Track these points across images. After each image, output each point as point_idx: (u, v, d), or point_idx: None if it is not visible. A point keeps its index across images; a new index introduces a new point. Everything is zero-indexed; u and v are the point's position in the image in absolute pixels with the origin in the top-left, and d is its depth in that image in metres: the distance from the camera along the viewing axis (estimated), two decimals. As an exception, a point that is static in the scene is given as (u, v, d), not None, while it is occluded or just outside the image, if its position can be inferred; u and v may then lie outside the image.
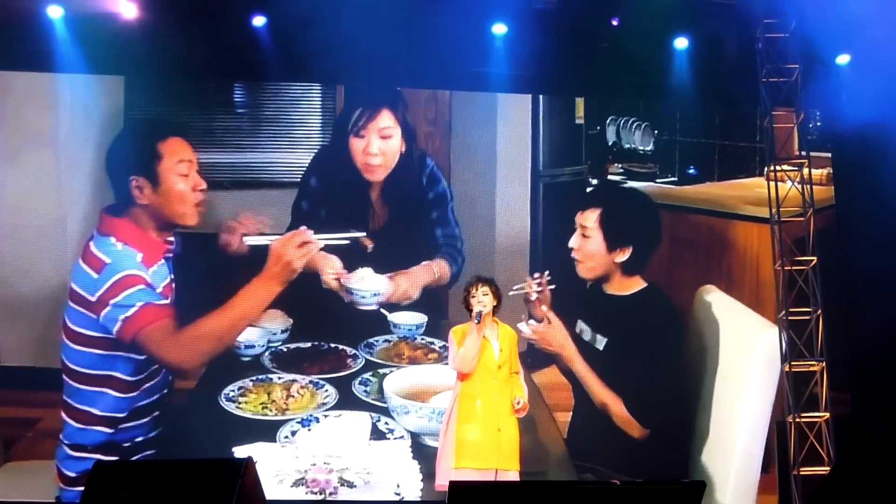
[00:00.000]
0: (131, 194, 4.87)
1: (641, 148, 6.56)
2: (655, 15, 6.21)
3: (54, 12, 5.97)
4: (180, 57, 6.04)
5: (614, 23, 6.28)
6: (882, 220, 6.43)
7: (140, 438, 5.10)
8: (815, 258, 6.20)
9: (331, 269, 5.28)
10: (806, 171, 6.03)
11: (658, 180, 6.55)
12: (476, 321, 4.88)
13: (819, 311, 6.17)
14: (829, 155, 6.41)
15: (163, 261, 5.06)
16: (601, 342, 5.25)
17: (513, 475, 4.91)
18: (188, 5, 6.00)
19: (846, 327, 6.62)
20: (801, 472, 5.95)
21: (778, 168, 6.17)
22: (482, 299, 4.94)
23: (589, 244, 5.17)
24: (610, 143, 6.48)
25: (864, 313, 6.62)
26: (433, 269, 5.53)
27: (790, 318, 6.12)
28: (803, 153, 6.22)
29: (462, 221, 6.04)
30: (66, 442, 5.11)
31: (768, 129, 6.38)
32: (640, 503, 3.72)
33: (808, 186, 6.29)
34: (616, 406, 5.10)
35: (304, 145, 6.13)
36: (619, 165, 6.55)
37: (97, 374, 5.00)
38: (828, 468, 5.79)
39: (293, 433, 4.84)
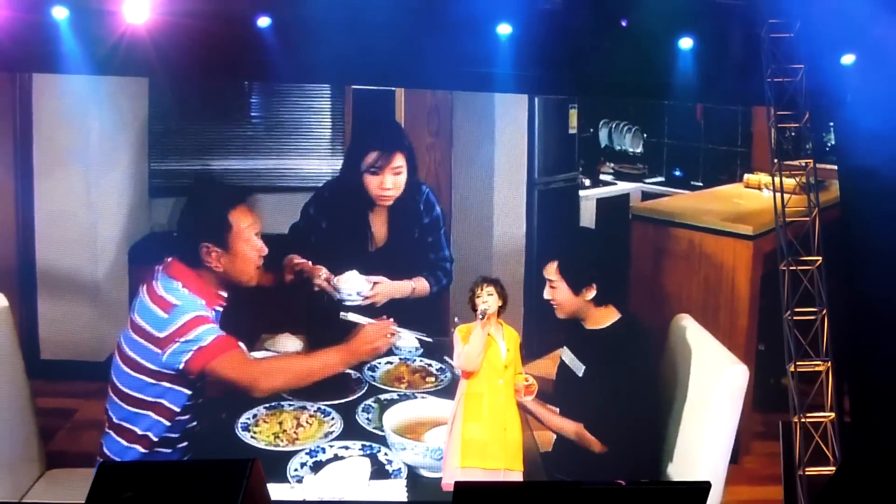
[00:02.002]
0: (201, 257, 5.10)
1: (631, 150, 6.63)
2: (660, 15, 5.94)
3: (59, 13, 5.81)
4: (183, 57, 5.89)
5: (623, 24, 6.04)
6: (886, 220, 6.05)
7: None
8: (819, 258, 5.84)
9: (320, 276, 5.63)
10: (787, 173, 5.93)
11: (646, 181, 6.64)
12: (480, 318, 4.91)
13: (824, 311, 5.79)
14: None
15: (213, 311, 5.18)
16: (580, 369, 5.29)
17: (517, 475, 4.91)
18: (193, 6, 5.86)
19: (851, 328, 6.36)
20: (807, 472, 5.69)
21: (756, 174, 6.40)
22: (487, 299, 4.89)
23: (558, 293, 5.28)
24: (602, 146, 6.58)
25: (868, 314, 6.25)
26: (411, 285, 5.80)
27: (795, 318, 5.85)
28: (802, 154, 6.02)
29: (462, 226, 6.21)
30: (106, 453, 5.18)
31: (772, 130, 6.02)
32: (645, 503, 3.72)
33: (813, 187, 5.98)
34: (574, 430, 5.19)
35: (315, 150, 6.26)
36: (611, 165, 6.64)
37: (147, 399, 5.10)
38: (833, 468, 5.57)
39: (302, 465, 5.00)
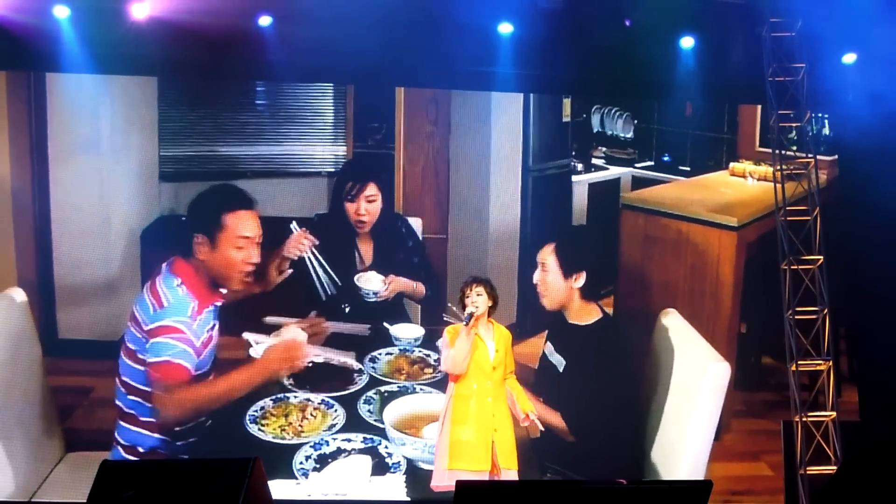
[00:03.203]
0: (193, 247, 5.03)
1: (622, 135, 6.77)
2: (661, 14, 5.78)
3: (61, 12, 5.73)
4: (184, 56, 5.88)
5: (627, 23, 5.92)
6: (887, 220, 5.96)
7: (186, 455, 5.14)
8: (821, 257, 5.61)
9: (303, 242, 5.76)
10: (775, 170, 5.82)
11: (636, 165, 6.77)
12: (465, 322, 4.92)
13: (825, 311, 5.55)
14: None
15: (212, 307, 5.09)
16: (560, 364, 5.25)
17: (513, 474, 4.91)
18: (193, 4, 5.75)
19: (852, 325, 6.29)
20: (808, 472, 5.51)
21: (742, 162, 6.45)
22: (476, 300, 4.75)
23: (549, 276, 5.17)
24: (594, 131, 6.73)
25: (871, 312, 6.17)
26: (413, 285, 5.97)
27: (797, 317, 5.67)
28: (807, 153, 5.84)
29: (459, 212, 6.32)
30: (121, 442, 5.12)
31: (775, 129, 5.74)
32: (646, 503, 3.72)
33: (815, 186, 5.77)
34: (555, 420, 5.14)
35: (319, 138, 6.33)
36: (602, 150, 6.75)
37: (147, 389, 4.98)
38: (834, 468, 5.42)
39: (307, 458, 4.92)
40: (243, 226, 5.16)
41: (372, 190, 5.98)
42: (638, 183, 6.82)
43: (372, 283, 5.91)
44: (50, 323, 6.06)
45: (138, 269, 6.06)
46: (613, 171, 6.85)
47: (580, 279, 5.29)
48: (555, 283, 5.34)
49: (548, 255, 5.33)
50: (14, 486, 5.27)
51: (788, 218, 5.73)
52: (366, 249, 6.06)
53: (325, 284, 5.86)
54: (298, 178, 6.37)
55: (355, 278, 5.88)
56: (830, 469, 5.45)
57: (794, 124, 5.80)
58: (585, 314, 5.36)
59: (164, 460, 4.97)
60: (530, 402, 4.82)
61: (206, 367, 5.18)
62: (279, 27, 5.87)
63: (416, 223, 6.28)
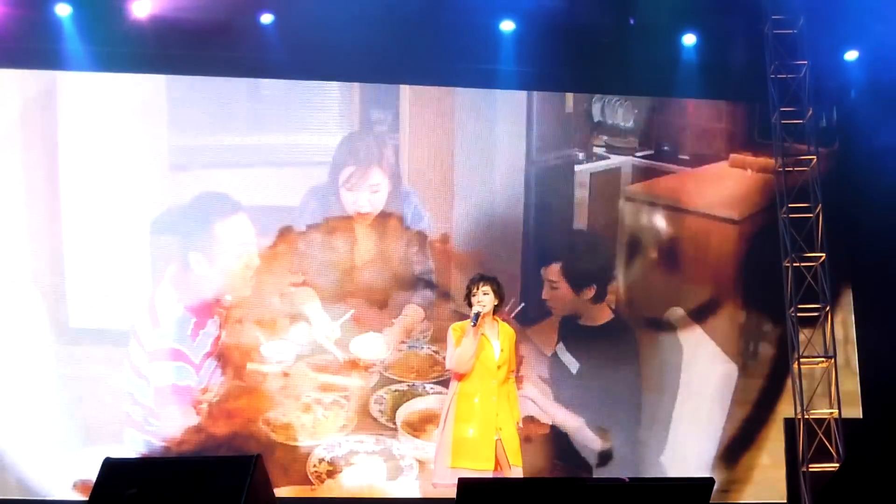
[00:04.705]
0: (190, 263, 4.95)
1: (622, 124, 6.75)
2: (663, 12, 5.72)
3: (62, 10, 5.71)
4: (189, 53, 5.91)
5: (631, 21, 5.88)
6: (888, 217, 5.90)
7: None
8: (823, 255, 5.54)
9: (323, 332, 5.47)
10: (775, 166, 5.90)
11: (637, 154, 6.76)
12: (472, 323, 4.89)
13: (828, 308, 5.51)
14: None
15: (215, 317, 5.13)
16: (573, 366, 5.27)
17: (518, 472, 4.93)
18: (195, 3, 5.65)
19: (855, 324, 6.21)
20: (810, 469, 5.47)
21: (740, 153, 6.42)
22: (482, 299, 4.69)
23: (559, 293, 5.20)
24: (595, 121, 6.69)
25: (873, 311, 6.10)
26: (410, 320, 5.71)
27: (799, 314, 5.66)
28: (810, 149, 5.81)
29: (465, 200, 6.29)
30: (132, 446, 5.21)
31: (777, 126, 5.69)
32: (648, 500, 3.71)
33: (817, 183, 5.72)
34: (575, 425, 5.20)
35: (325, 129, 6.36)
36: (603, 139, 6.72)
37: (149, 404, 5.09)
38: (837, 465, 5.33)
39: (320, 461, 5.07)
40: (236, 232, 5.05)
41: (377, 177, 5.54)
42: (638, 172, 6.73)
43: (373, 349, 5.59)
44: (62, 312, 6.06)
45: (149, 257, 5.96)
46: (614, 161, 6.75)
47: (591, 292, 5.26)
48: (565, 298, 5.31)
49: (555, 275, 5.27)
50: (27, 484, 5.36)
51: (791, 215, 5.70)
52: (365, 240, 5.74)
53: None
54: (305, 167, 6.31)
55: (351, 345, 5.52)
56: (833, 466, 5.42)
57: (796, 121, 5.78)
58: (596, 316, 5.33)
59: (166, 457, 4.95)
60: (519, 410, 4.72)
61: (207, 380, 5.13)
62: (286, 25, 5.82)
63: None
